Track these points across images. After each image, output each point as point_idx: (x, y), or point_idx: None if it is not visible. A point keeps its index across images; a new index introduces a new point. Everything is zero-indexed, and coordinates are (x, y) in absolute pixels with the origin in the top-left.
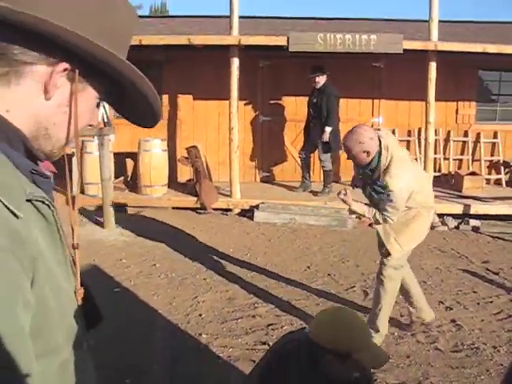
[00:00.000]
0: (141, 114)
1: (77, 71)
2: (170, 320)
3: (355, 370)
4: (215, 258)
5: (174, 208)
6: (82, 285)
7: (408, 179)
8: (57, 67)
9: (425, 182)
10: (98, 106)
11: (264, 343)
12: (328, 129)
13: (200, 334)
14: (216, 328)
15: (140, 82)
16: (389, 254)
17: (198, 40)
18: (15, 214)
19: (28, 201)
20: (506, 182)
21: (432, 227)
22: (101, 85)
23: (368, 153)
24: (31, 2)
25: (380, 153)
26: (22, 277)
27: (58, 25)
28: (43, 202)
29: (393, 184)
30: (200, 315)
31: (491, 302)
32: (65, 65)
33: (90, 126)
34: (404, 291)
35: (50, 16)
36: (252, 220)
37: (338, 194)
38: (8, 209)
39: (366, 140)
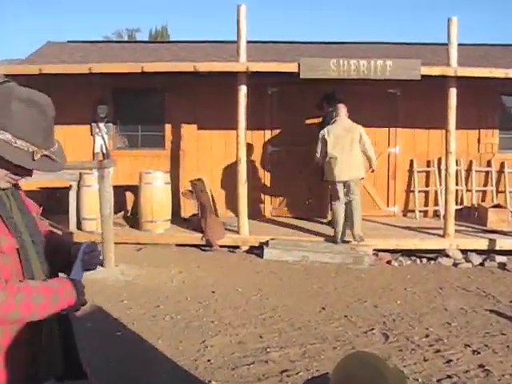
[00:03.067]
0: None
1: None
2: (177, 366)
3: None
4: (223, 298)
5: (177, 245)
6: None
7: None
8: None
9: None
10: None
11: None
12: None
13: (209, 382)
14: (226, 374)
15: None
16: None
17: (204, 67)
18: None
19: None
20: None
21: (455, 264)
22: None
23: None
24: None
25: None
26: None
27: None
28: None
29: None
30: (209, 360)
31: None
32: None
33: None
34: None
35: None
36: (261, 258)
37: None
38: None
39: None
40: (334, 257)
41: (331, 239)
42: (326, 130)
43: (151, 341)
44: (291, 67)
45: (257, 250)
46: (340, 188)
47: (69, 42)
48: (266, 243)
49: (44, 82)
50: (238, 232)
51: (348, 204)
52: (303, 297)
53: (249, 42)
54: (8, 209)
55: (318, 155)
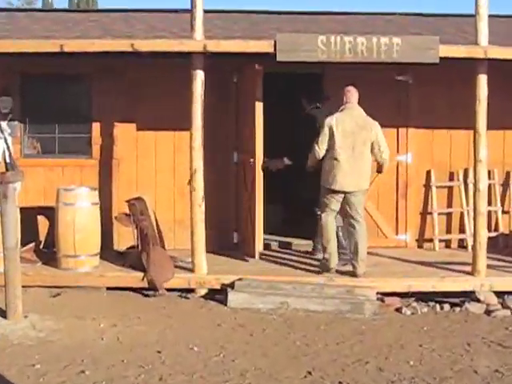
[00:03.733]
0: None
1: None
2: None
3: None
4: (172, 360)
5: (109, 288)
6: None
7: None
8: None
9: None
10: None
11: None
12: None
13: None
14: None
15: None
16: None
17: (147, 46)
18: None
19: None
20: None
21: (488, 312)
22: None
23: None
24: None
25: None
26: None
27: None
28: None
29: None
30: None
31: None
32: None
33: None
34: None
35: None
36: (225, 305)
37: None
38: None
39: None
40: (325, 303)
41: (321, 266)
42: (334, 118)
43: None
44: (265, 46)
45: (219, 295)
46: (337, 201)
47: None
48: (232, 285)
49: None
50: (192, 270)
51: (350, 228)
52: (282, 358)
53: (208, 11)
54: None
55: (321, 152)
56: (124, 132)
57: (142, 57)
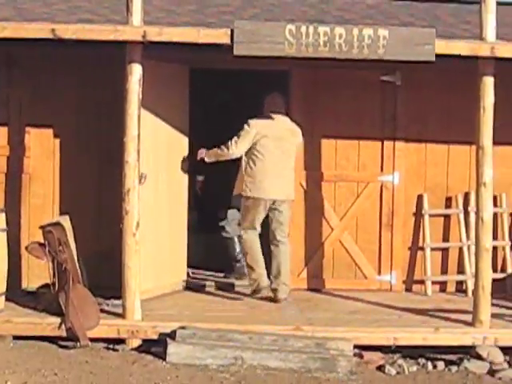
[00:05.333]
0: None
1: None
2: None
3: None
4: None
5: (16, 338)
6: None
7: None
8: None
9: None
10: None
11: None
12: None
13: None
14: None
15: None
16: None
17: (70, 32)
18: None
19: None
20: None
21: (491, 372)
22: None
23: None
24: None
25: None
26: None
27: None
28: None
29: None
30: None
31: None
32: None
33: None
34: None
35: None
36: (164, 360)
37: None
38: None
39: None
40: (289, 358)
41: (252, 289)
42: (259, 122)
43: None
44: (219, 36)
45: (156, 347)
46: (262, 212)
47: None
48: (172, 335)
49: None
50: (123, 316)
51: (273, 247)
52: None
53: None
54: None
55: (235, 152)
56: (38, 140)
57: (65, 45)
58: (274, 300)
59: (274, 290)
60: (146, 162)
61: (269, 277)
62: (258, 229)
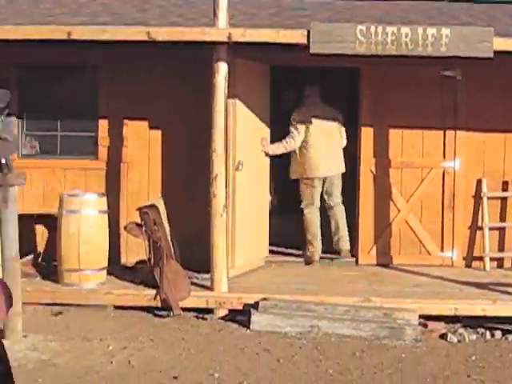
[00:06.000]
0: None
1: None
2: None
3: None
4: None
5: (117, 307)
6: None
7: None
8: None
9: None
10: None
11: None
12: None
13: None
14: None
15: None
16: None
17: (164, 34)
18: None
19: None
20: None
21: None
22: None
23: None
24: None
25: None
26: None
27: None
28: None
29: None
30: None
31: None
32: None
33: None
34: None
35: None
36: (248, 328)
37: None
38: None
39: None
40: (360, 327)
41: (306, 260)
42: (303, 112)
43: None
44: (297, 36)
45: (241, 316)
46: (318, 188)
47: None
48: (255, 305)
49: None
50: (211, 288)
51: (330, 211)
52: None
53: None
54: None
55: (297, 143)
56: (134, 130)
57: (156, 47)
58: (339, 253)
59: (337, 244)
60: (241, 150)
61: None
62: (317, 204)
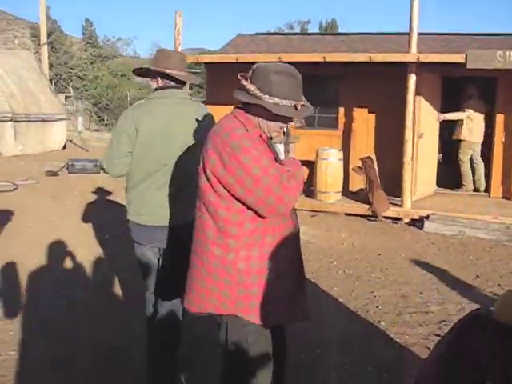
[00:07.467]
0: None
1: None
2: (349, 308)
3: None
4: (388, 260)
5: (346, 214)
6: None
7: None
8: None
9: None
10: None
11: (437, 335)
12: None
13: (379, 322)
14: (392, 318)
15: None
16: None
17: (379, 57)
18: None
19: None
20: None
21: None
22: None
23: None
24: None
25: None
26: None
27: None
28: None
29: None
30: (377, 307)
31: None
32: None
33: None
34: None
35: None
36: (421, 230)
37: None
38: None
39: None
40: (489, 233)
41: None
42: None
43: (326, 288)
44: (459, 58)
45: (417, 223)
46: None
47: (257, 34)
48: (427, 217)
49: (237, 69)
50: (400, 206)
51: (475, 165)
52: (459, 266)
53: (419, 33)
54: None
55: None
56: (359, 114)
57: (372, 64)
58: (478, 190)
59: (478, 185)
60: (422, 126)
61: None
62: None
